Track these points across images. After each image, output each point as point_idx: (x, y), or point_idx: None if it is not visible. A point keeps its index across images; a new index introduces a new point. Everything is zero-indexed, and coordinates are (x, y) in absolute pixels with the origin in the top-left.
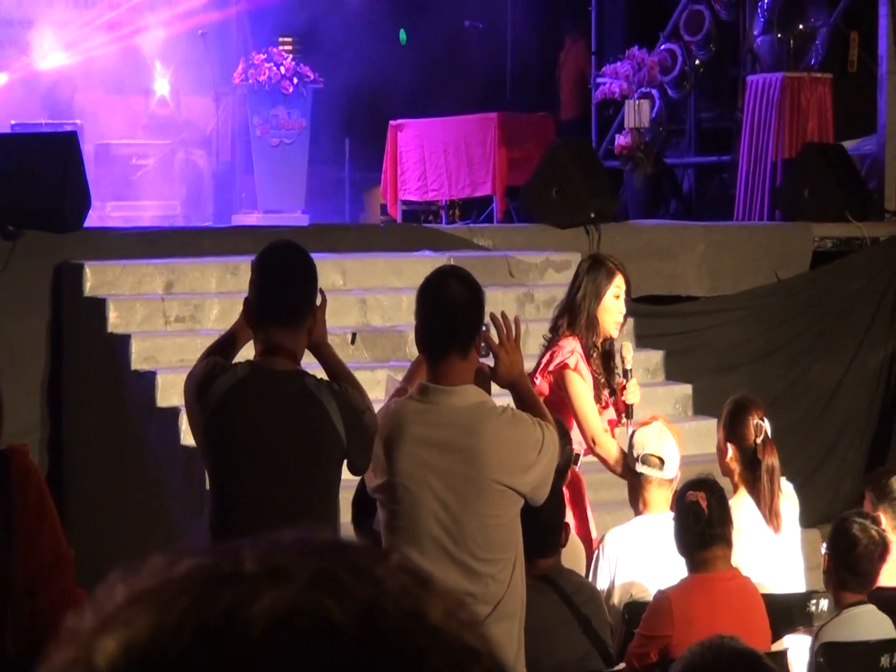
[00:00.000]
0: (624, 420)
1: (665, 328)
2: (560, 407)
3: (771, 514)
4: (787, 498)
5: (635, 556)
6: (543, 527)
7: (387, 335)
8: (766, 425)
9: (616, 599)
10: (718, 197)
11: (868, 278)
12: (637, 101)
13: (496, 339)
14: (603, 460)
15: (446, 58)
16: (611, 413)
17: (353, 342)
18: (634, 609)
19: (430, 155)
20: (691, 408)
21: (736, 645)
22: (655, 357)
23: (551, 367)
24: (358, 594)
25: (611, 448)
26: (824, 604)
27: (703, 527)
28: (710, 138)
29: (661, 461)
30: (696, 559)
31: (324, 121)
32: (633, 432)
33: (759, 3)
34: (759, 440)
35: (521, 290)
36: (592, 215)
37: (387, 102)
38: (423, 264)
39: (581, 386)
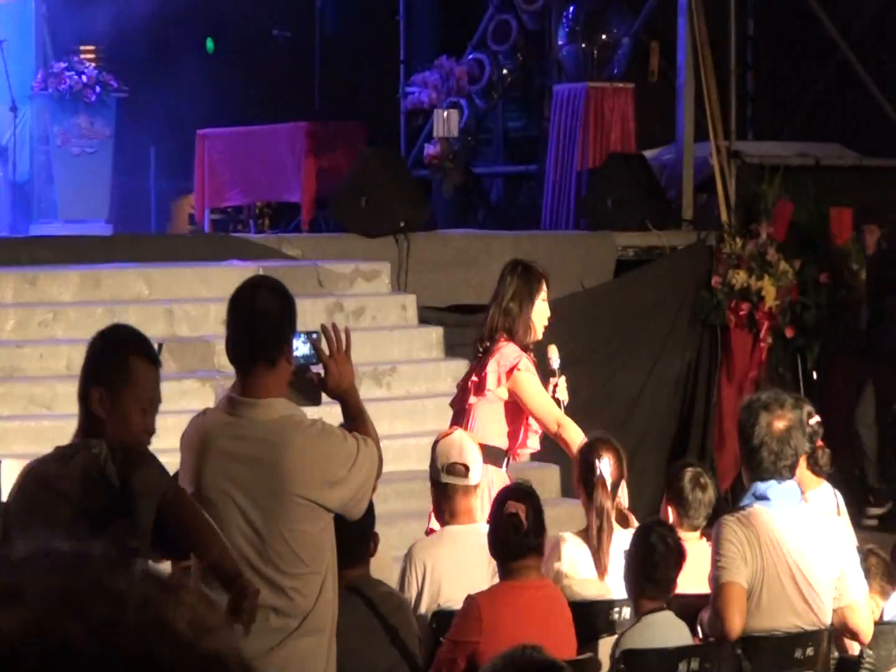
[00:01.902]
0: None
1: (473, 337)
2: (517, 411)
3: (596, 558)
4: None
5: (442, 565)
6: (350, 537)
7: (194, 345)
8: (605, 463)
9: (424, 608)
10: (526, 206)
11: (668, 287)
12: (445, 111)
13: (327, 350)
14: (566, 443)
15: (254, 66)
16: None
17: (159, 352)
18: (442, 618)
19: (238, 164)
20: None
21: (538, 656)
22: (464, 366)
23: (504, 376)
24: (98, 611)
25: (574, 431)
26: (627, 611)
27: (521, 538)
28: (517, 148)
29: (466, 468)
30: (508, 567)
31: (129, 130)
32: (435, 443)
33: (564, 13)
34: (595, 478)
35: (331, 300)
36: (402, 224)
37: (194, 111)
38: (231, 274)
39: (534, 381)
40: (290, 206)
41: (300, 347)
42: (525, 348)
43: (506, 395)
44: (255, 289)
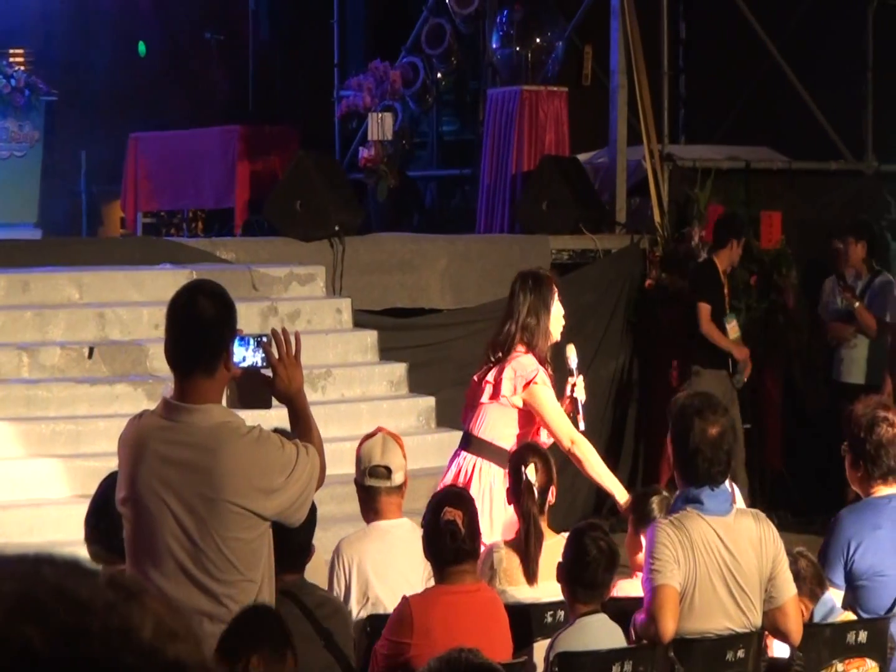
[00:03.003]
0: (576, 415)
1: (408, 341)
2: (529, 418)
3: (525, 564)
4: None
5: (370, 559)
6: (291, 544)
7: (126, 349)
8: (532, 470)
9: (354, 603)
10: (460, 209)
11: (601, 290)
12: (380, 114)
13: (276, 354)
14: (578, 460)
15: (187, 70)
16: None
17: (90, 356)
18: (376, 622)
19: (171, 167)
20: (434, 420)
21: (474, 659)
22: (399, 370)
23: (521, 387)
24: (61, 618)
25: (587, 448)
26: (562, 614)
27: (458, 544)
28: (452, 151)
29: (388, 470)
30: (445, 572)
31: (59, 133)
32: (359, 446)
33: (498, 17)
34: (522, 485)
35: (265, 304)
36: (337, 228)
37: (126, 114)
38: (163, 277)
39: (550, 395)
40: (223, 209)
41: (250, 351)
42: (543, 360)
43: (520, 404)
44: (194, 294)
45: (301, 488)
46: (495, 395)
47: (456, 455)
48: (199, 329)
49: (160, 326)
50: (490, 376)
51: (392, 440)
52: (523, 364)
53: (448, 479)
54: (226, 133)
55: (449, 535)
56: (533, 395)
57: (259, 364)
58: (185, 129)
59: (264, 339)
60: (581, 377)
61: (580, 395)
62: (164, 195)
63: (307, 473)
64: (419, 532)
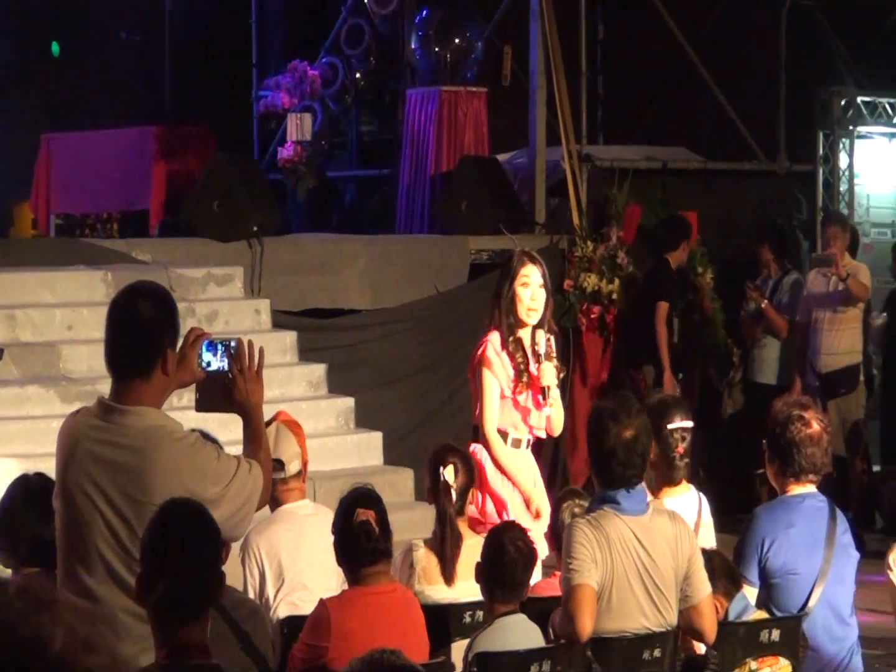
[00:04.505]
0: (542, 401)
1: (328, 342)
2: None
3: (443, 565)
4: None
5: (279, 543)
6: None
7: (38, 350)
8: (450, 471)
9: (271, 589)
10: (380, 210)
11: None
12: (299, 115)
13: (241, 363)
14: (490, 451)
15: (102, 70)
16: (528, 399)
17: (0, 358)
18: (293, 624)
19: (86, 168)
20: (353, 421)
21: (396, 660)
22: (318, 370)
23: (472, 360)
24: None
25: (497, 449)
26: (480, 614)
27: (373, 544)
28: (371, 152)
29: (280, 463)
30: (360, 575)
31: None
32: None
33: (417, 18)
34: (440, 486)
35: (182, 305)
36: (255, 229)
37: (39, 115)
38: (77, 279)
39: (488, 379)
40: (139, 211)
41: (217, 356)
42: (509, 333)
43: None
44: (134, 296)
45: (239, 504)
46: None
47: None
48: (135, 331)
49: (74, 328)
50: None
51: (285, 429)
52: (484, 340)
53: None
54: (142, 134)
55: (364, 535)
56: (478, 373)
57: (224, 369)
58: (100, 129)
59: (232, 345)
60: (549, 364)
61: (548, 381)
62: (77, 196)
63: (248, 490)
64: (321, 508)
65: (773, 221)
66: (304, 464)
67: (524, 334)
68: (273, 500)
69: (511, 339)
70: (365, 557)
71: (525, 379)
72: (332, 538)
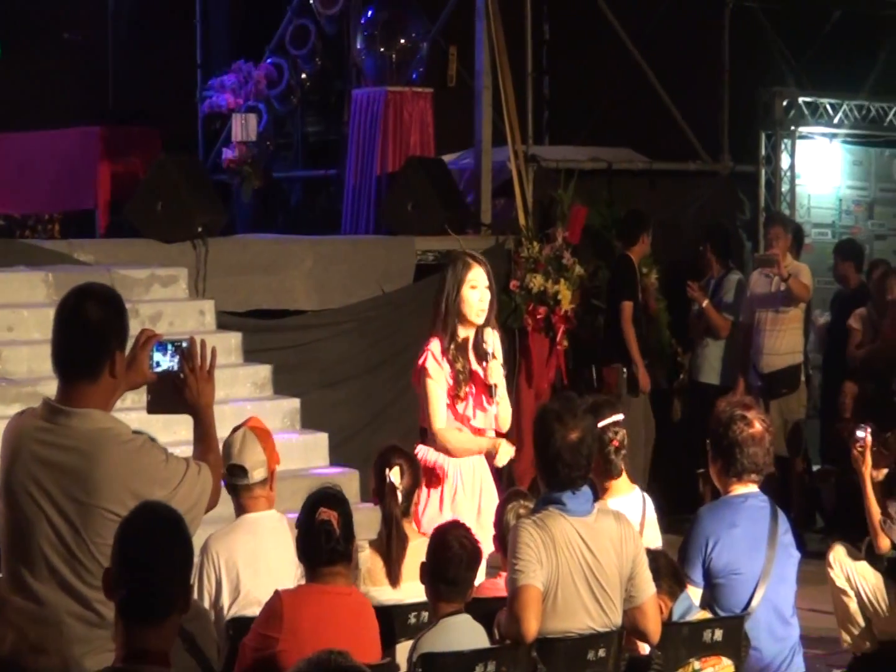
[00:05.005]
0: (489, 399)
1: (273, 342)
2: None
3: (388, 566)
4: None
5: (239, 553)
6: None
7: None
8: (396, 472)
9: (226, 598)
10: (326, 210)
11: None
12: (244, 115)
13: (193, 362)
14: (446, 450)
15: (45, 70)
16: (469, 407)
17: None
18: (239, 625)
19: (27, 169)
20: (299, 422)
21: (343, 661)
22: (263, 371)
23: (415, 367)
24: None
25: (448, 438)
26: (425, 615)
27: (332, 544)
28: (317, 152)
29: (243, 469)
30: (317, 572)
31: None
32: (226, 439)
33: (362, 18)
34: (386, 487)
35: (126, 306)
36: (199, 229)
37: None
38: (16, 280)
39: (430, 384)
40: (82, 211)
41: (167, 356)
42: (453, 337)
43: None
44: (82, 298)
45: (188, 507)
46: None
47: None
48: (83, 332)
49: (14, 329)
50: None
51: (252, 435)
52: (423, 351)
53: None
54: (85, 134)
55: (324, 535)
56: (420, 380)
57: (174, 369)
58: (42, 130)
59: (183, 345)
60: (496, 361)
61: (495, 379)
62: (18, 196)
63: (196, 492)
64: (286, 522)
65: (717, 222)
66: (272, 472)
67: (469, 334)
68: (238, 506)
69: (452, 346)
70: (323, 556)
71: (464, 391)
72: (293, 552)
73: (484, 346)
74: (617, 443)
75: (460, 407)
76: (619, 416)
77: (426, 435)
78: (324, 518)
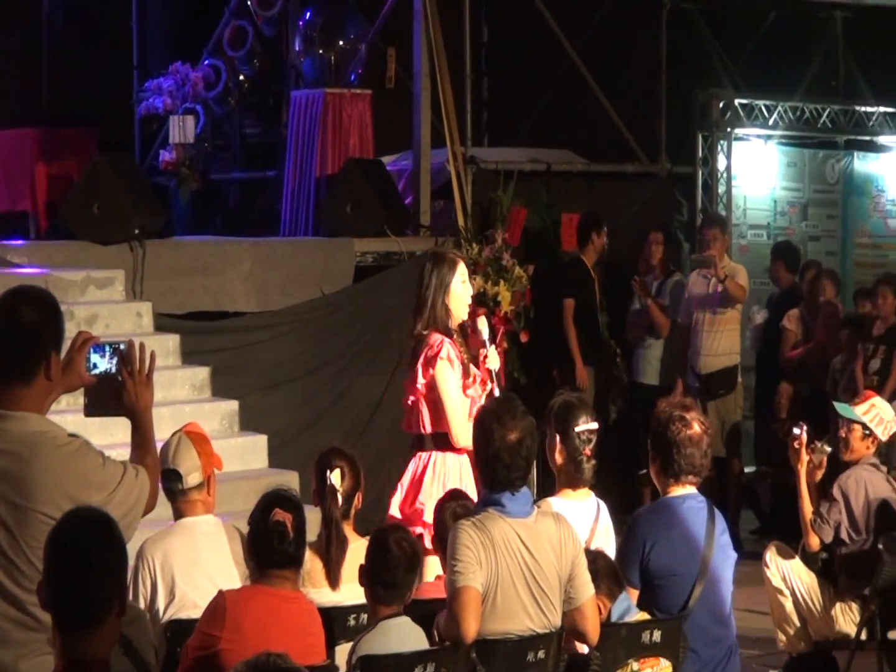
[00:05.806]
0: (489, 386)
1: (212, 344)
2: (438, 404)
3: (327, 569)
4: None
5: (175, 557)
6: None
7: None
8: (337, 475)
9: (161, 602)
10: (264, 212)
11: (406, 293)
12: (181, 117)
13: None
14: (467, 452)
15: None
16: (477, 389)
17: None
18: (178, 627)
19: None
20: (238, 424)
21: (282, 664)
22: (202, 373)
23: (424, 362)
24: None
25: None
26: (364, 617)
27: (284, 547)
28: (255, 154)
29: (178, 474)
30: (265, 573)
31: None
32: (163, 445)
33: (301, 20)
34: (326, 489)
35: (61, 308)
36: (137, 231)
37: None
38: None
39: (449, 376)
40: (17, 213)
41: (106, 358)
42: (447, 334)
43: (425, 391)
44: (15, 300)
45: (125, 510)
46: (413, 388)
47: (412, 457)
48: (17, 335)
49: None
50: (409, 373)
51: (186, 440)
52: (429, 343)
53: (405, 479)
54: (18, 136)
55: (277, 536)
56: (437, 369)
57: (112, 371)
58: None
59: (121, 347)
60: (493, 347)
61: (493, 364)
62: None
63: (134, 496)
64: (222, 527)
65: (666, 223)
66: (208, 477)
67: (455, 326)
68: (175, 511)
69: (454, 335)
70: (273, 557)
71: (472, 379)
72: (230, 557)
73: (480, 334)
74: (589, 452)
75: (471, 391)
76: (595, 425)
77: (423, 443)
78: (279, 519)
